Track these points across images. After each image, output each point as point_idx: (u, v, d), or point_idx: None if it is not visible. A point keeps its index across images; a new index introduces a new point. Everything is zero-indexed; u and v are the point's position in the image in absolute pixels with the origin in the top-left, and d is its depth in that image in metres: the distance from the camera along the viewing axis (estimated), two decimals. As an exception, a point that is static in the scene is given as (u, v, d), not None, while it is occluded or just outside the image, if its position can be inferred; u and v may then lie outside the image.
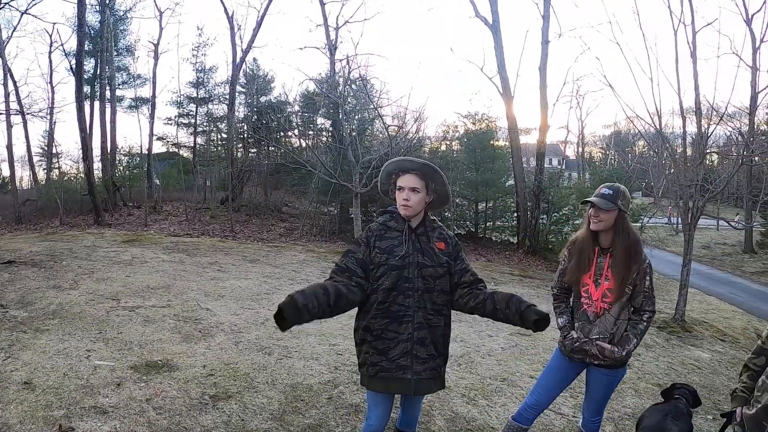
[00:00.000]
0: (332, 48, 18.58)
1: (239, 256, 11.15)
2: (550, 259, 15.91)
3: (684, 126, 8.59)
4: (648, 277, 2.73)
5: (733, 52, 10.29)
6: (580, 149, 52.03)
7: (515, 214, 18.63)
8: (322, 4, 19.54)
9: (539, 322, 2.25)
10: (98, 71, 21.66)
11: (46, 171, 24.74)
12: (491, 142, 19.35)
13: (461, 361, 5.14)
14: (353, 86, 15.31)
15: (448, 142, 20.97)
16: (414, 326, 2.39)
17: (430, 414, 3.77)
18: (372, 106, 14.47)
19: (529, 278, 12.78)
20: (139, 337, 5.01)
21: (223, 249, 12.14)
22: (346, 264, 2.40)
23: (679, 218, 24.79)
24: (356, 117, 14.56)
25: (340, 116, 13.54)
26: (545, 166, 18.02)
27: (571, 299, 2.97)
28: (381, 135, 16.58)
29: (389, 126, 13.01)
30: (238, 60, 21.29)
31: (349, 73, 14.69)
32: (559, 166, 29.91)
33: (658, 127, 8.15)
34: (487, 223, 19.67)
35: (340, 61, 16.80)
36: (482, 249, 17.32)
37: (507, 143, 19.85)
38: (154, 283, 7.57)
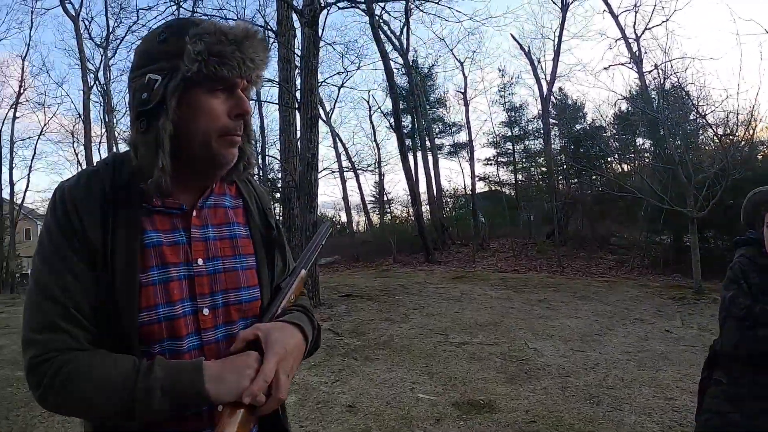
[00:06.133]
0: (637, 60, 16.84)
1: (568, 293, 10.50)
2: None
3: None
4: None
5: None
6: None
7: None
8: (615, 17, 17.98)
9: None
10: (415, 125, 24.44)
11: (379, 216, 29.14)
12: None
13: None
14: (670, 98, 13.35)
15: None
16: None
17: None
18: (694, 116, 12.37)
19: None
20: (464, 374, 5.01)
21: (552, 285, 11.68)
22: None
23: None
24: (679, 131, 12.49)
25: (662, 132, 11.86)
26: None
27: None
28: (707, 148, 14.03)
29: (722, 135, 10.73)
30: (545, 92, 21.34)
31: (663, 82, 12.89)
32: None
33: None
34: None
35: (649, 72, 15.04)
36: None
37: None
38: (482, 320, 7.63)
